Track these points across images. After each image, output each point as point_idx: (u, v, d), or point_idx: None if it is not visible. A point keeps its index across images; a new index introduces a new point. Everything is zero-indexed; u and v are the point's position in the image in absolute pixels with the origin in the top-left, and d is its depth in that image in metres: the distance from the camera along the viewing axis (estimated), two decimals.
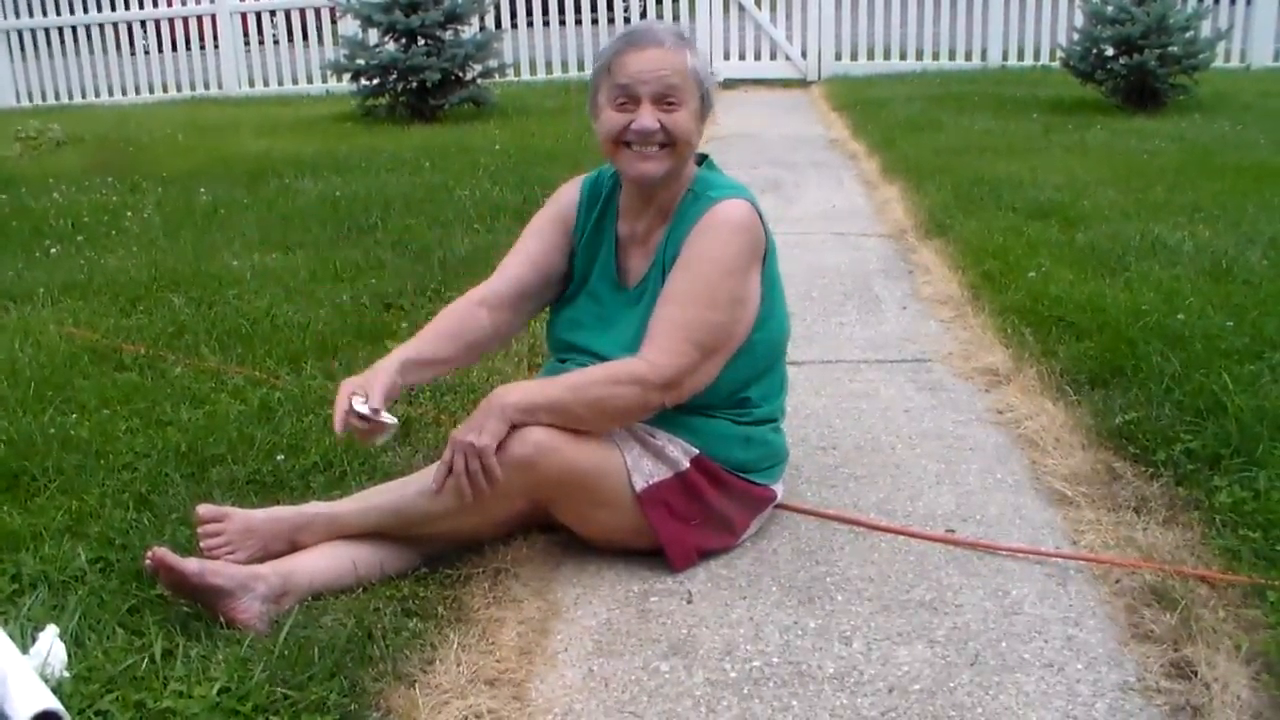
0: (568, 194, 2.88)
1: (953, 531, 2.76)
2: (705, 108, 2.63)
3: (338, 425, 2.46)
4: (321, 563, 2.48)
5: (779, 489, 2.81)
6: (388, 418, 2.47)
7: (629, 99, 2.56)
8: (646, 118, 2.56)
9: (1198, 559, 2.54)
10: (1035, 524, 2.78)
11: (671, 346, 2.51)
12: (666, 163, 2.60)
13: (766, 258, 2.67)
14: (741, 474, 2.68)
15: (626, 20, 13.76)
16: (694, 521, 2.61)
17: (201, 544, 2.48)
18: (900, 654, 2.28)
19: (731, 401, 2.67)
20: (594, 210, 2.82)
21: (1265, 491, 2.70)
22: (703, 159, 2.76)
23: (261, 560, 2.46)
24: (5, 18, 13.94)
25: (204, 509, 2.52)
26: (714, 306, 2.55)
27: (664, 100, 2.56)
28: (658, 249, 2.68)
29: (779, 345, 2.78)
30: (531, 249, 2.84)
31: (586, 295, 2.81)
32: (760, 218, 2.65)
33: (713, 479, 2.63)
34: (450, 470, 2.42)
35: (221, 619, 2.30)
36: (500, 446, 2.43)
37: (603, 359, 2.61)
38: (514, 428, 2.44)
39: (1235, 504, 2.68)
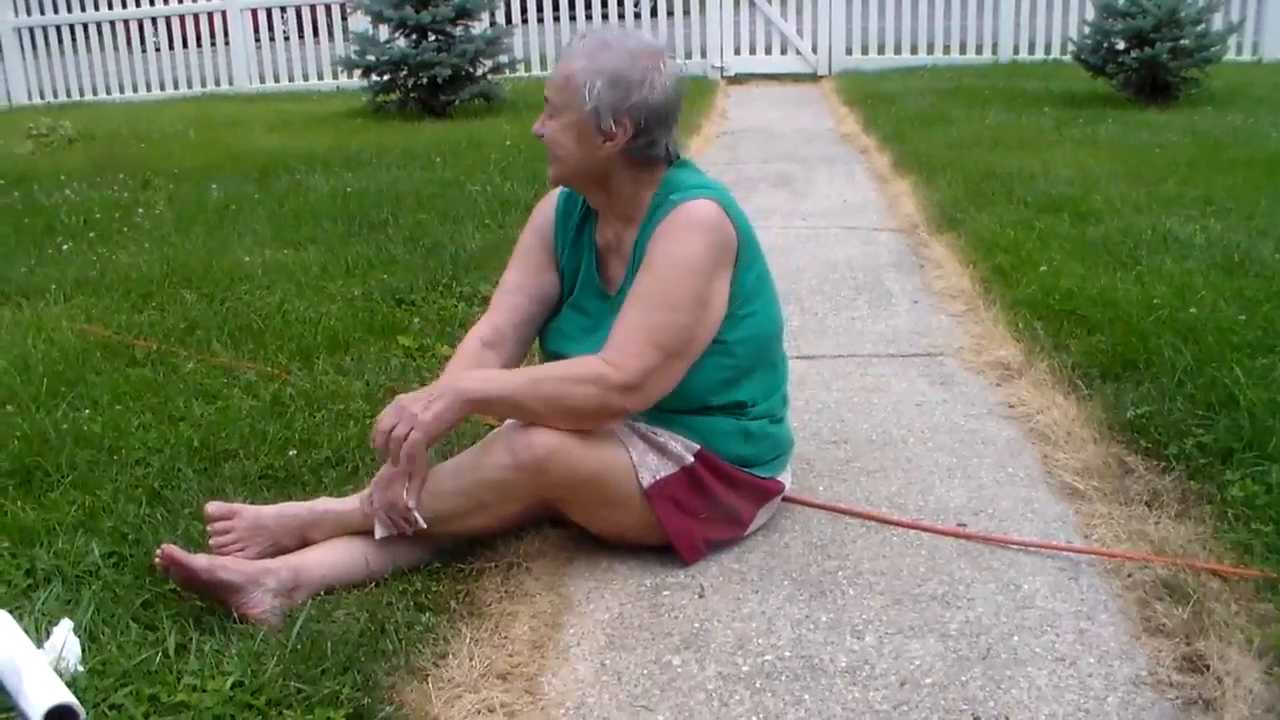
0: (543, 211, 2.87)
1: (964, 525, 2.76)
2: (589, 117, 2.54)
3: (393, 516, 2.47)
4: (333, 557, 2.49)
5: (786, 480, 2.81)
6: (420, 519, 2.46)
7: None
8: (536, 123, 2.64)
9: (1210, 553, 2.54)
10: (1047, 518, 2.78)
11: (631, 349, 2.48)
12: (551, 169, 2.65)
13: (742, 254, 2.62)
14: (745, 468, 2.68)
15: (636, 16, 13.77)
16: (702, 515, 2.62)
17: (211, 541, 2.49)
18: (912, 648, 2.28)
19: (726, 403, 2.66)
20: (571, 221, 2.81)
21: (1277, 485, 2.69)
22: (676, 161, 2.70)
23: (273, 556, 2.47)
24: (16, 15, 13.96)
25: (212, 507, 2.53)
26: (675, 308, 2.51)
27: (548, 107, 2.61)
28: (630, 254, 2.67)
29: (763, 342, 2.72)
30: (521, 279, 2.83)
31: (571, 307, 2.80)
32: (732, 216, 2.59)
33: (717, 474, 2.63)
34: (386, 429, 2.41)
35: (234, 614, 2.31)
36: (509, 450, 2.45)
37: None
38: (522, 430, 2.46)
39: (1247, 498, 2.67)
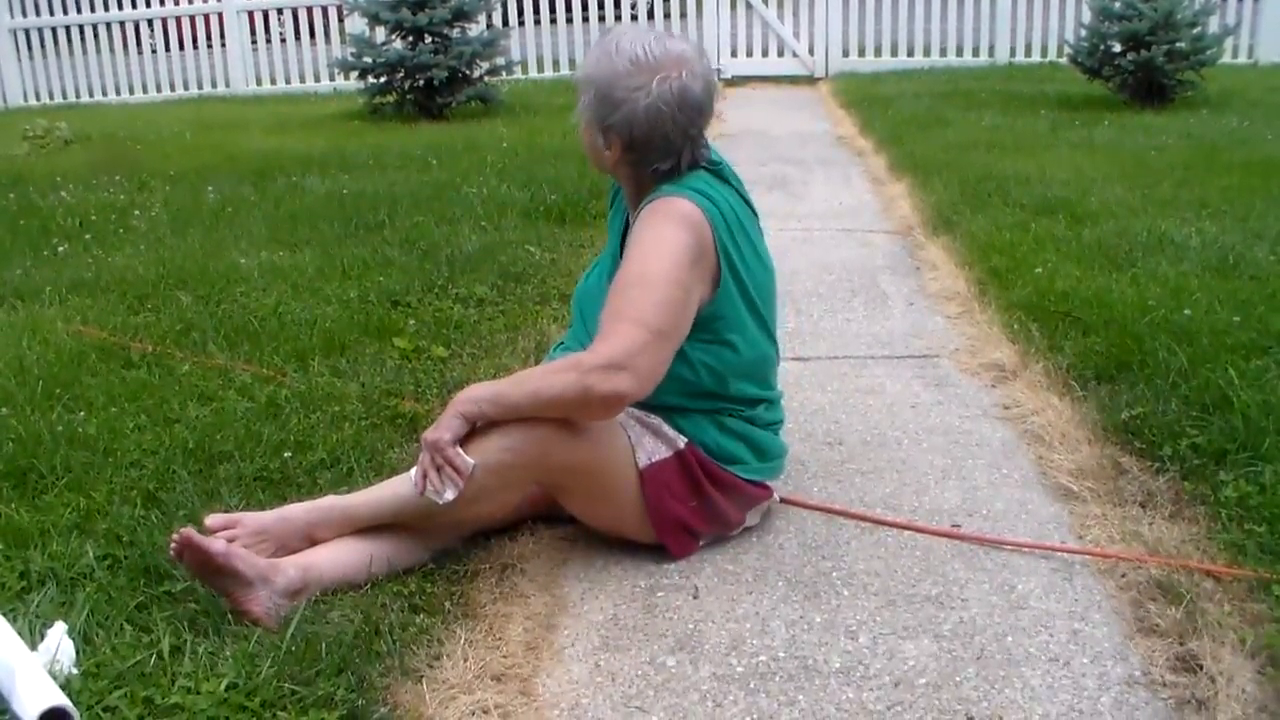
0: None
1: (959, 526, 2.77)
2: (599, 118, 2.57)
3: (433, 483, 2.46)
4: (338, 557, 2.49)
5: (774, 485, 2.80)
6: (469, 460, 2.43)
7: None
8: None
9: (1203, 553, 2.54)
10: (1041, 519, 2.79)
11: (610, 329, 2.46)
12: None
13: (724, 274, 2.58)
14: (728, 465, 2.67)
15: (634, 18, 13.77)
16: (691, 504, 2.62)
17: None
18: (906, 648, 2.28)
19: (696, 408, 2.66)
20: (616, 192, 2.88)
21: (1271, 486, 2.69)
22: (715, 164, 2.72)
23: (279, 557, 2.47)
24: (13, 16, 13.96)
25: (212, 519, 2.50)
26: (649, 285, 2.47)
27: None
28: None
29: (730, 371, 2.66)
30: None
31: (601, 269, 2.83)
32: (710, 222, 2.55)
33: (703, 467, 2.63)
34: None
35: (232, 610, 2.31)
36: (507, 434, 2.43)
37: (584, 322, 2.70)
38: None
39: (1241, 498, 2.68)
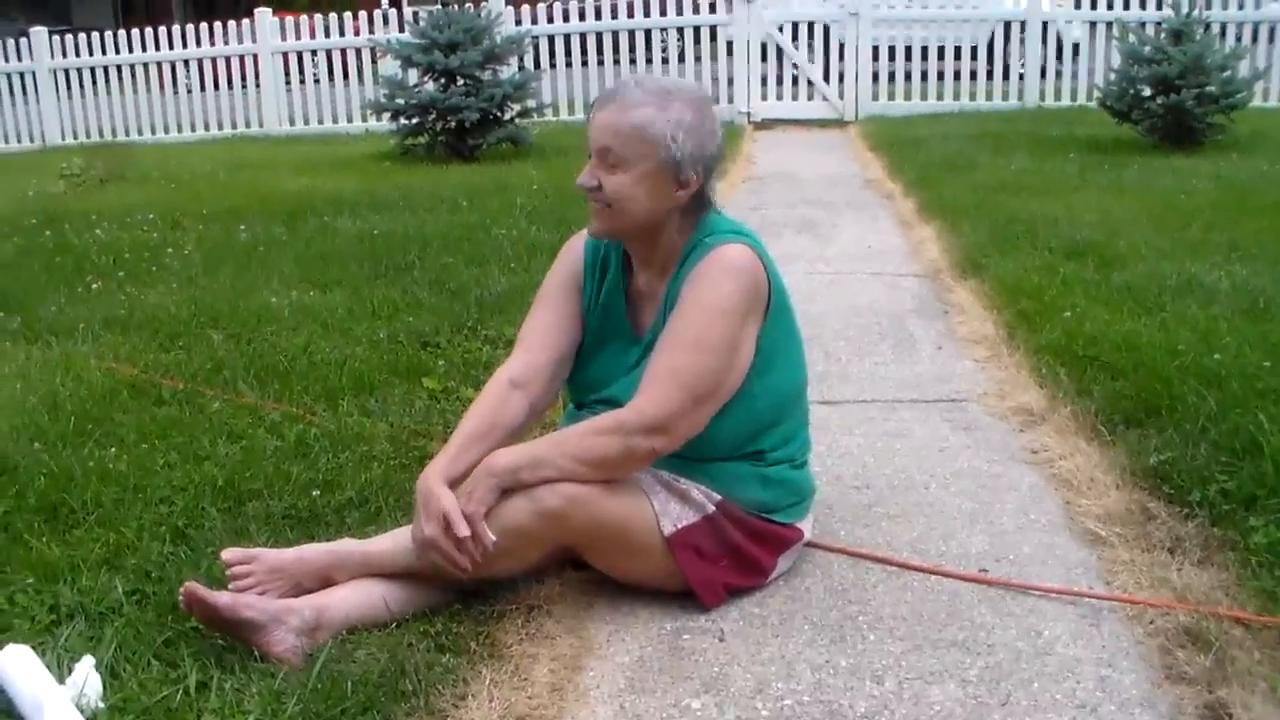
0: (574, 254, 2.87)
1: (986, 571, 2.75)
2: (669, 169, 2.55)
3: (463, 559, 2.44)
4: (355, 598, 2.50)
5: (806, 527, 2.80)
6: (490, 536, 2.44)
7: (590, 155, 2.61)
8: (584, 175, 2.63)
9: (1233, 600, 2.52)
10: (1069, 564, 2.77)
11: (657, 391, 2.49)
12: (606, 222, 2.64)
13: (773, 304, 2.64)
14: (765, 515, 2.67)
15: (664, 61, 13.84)
16: (722, 563, 2.61)
17: (230, 586, 2.49)
18: (932, 693, 2.27)
19: (744, 453, 2.66)
20: (598, 266, 2.82)
21: None
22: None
23: (296, 597, 2.48)
24: (52, 57, 14.17)
25: (228, 553, 2.53)
26: (704, 350, 2.52)
27: (605, 160, 2.59)
28: (663, 299, 2.67)
29: (787, 396, 2.73)
30: (554, 318, 2.81)
31: (607, 351, 2.79)
32: (765, 264, 2.62)
33: (738, 524, 2.62)
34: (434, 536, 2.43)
35: (256, 652, 2.32)
36: (531, 498, 2.44)
37: (619, 403, 2.58)
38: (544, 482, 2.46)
39: (1271, 544, 2.65)
